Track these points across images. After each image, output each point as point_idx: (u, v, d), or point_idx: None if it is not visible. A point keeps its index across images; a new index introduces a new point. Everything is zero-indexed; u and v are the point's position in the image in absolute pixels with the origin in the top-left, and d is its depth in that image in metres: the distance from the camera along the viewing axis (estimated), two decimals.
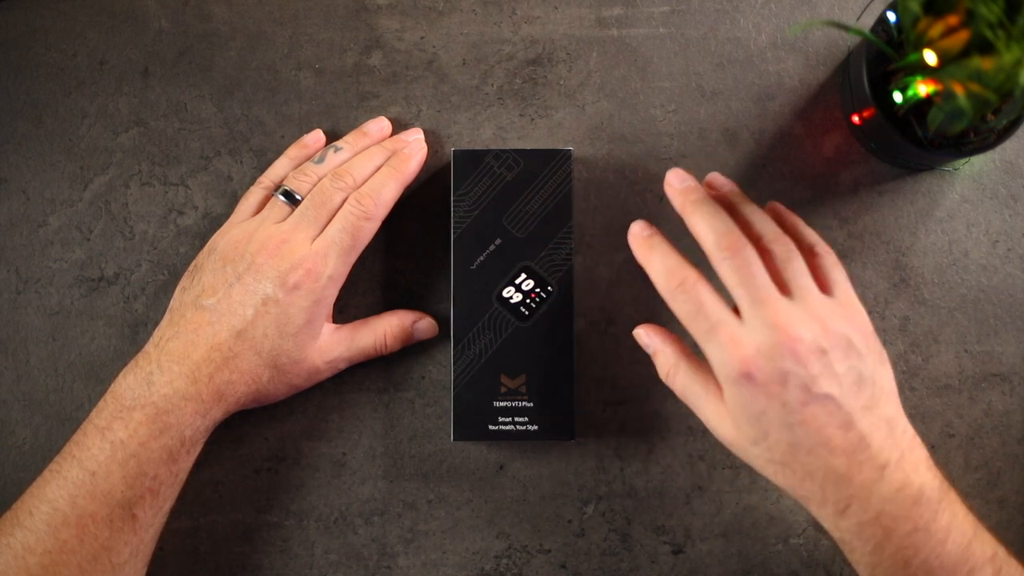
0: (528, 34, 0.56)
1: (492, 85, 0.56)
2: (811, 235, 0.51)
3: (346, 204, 0.52)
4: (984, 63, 0.40)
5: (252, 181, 0.56)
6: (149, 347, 0.50)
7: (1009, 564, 0.45)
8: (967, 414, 0.55)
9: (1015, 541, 0.54)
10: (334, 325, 0.53)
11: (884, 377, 0.47)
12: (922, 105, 0.48)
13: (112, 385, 0.49)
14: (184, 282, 0.52)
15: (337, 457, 0.55)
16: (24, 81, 0.56)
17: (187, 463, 0.50)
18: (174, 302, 0.51)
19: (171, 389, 0.48)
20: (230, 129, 0.56)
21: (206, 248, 0.52)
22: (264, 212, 0.52)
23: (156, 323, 0.55)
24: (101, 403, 0.48)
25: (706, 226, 0.47)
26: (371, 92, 0.56)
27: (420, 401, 0.55)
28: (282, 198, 0.52)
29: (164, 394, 0.48)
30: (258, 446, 0.55)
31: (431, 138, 0.56)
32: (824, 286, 0.49)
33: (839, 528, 0.45)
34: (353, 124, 0.56)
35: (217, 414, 0.50)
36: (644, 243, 0.49)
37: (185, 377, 0.48)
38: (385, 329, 0.54)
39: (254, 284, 0.49)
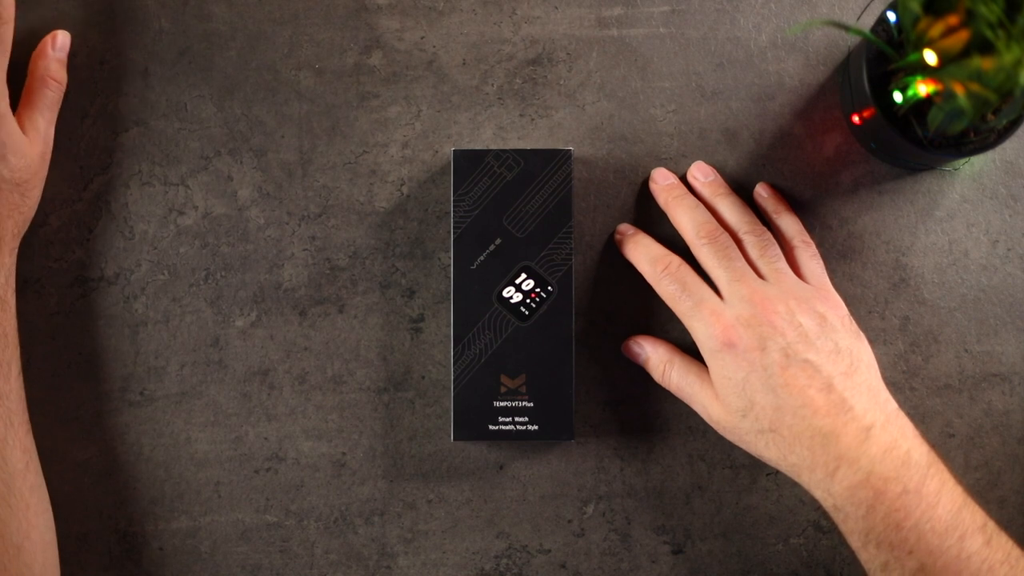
0: (528, 34, 0.56)
1: (492, 85, 0.56)
2: (793, 227, 0.54)
3: None
4: (984, 63, 0.40)
5: (252, 181, 0.56)
6: None
7: (999, 535, 0.45)
8: (967, 414, 0.55)
9: (1015, 541, 0.54)
10: (13, 114, 0.52)
11: (862, 351, 0.50)
12: (922, 105, 0.48)
13: None
14: None
15: (337, 457, 0.55)
16: (24, 81, 0.56)
17: (8, 321, 0.51)
18: None
19: None
20: (230, 129, 0.56)
21: None
22: None
23: (156, 323, 0.55)
24: None
25: (687, 218, 0.52)
26: (371, 92, 0.56)
27: (420, 401, 0.55)
28: None
29: None
30: (258, 446, 0.55)
31: (431, 138, 0.56)
32: (800, 275, 0.52)
33: (832, 494, 0.46)
34: (353, 124, 0.56)
35: (5, 259, 0.51)
36: (630, 240, 0.54)
37: None
38: (45, 75, 0.53)
39: None
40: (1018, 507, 0.55)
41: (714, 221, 0.52)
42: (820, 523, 0.55)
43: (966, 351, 0.55)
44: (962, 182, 0.55)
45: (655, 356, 0.53)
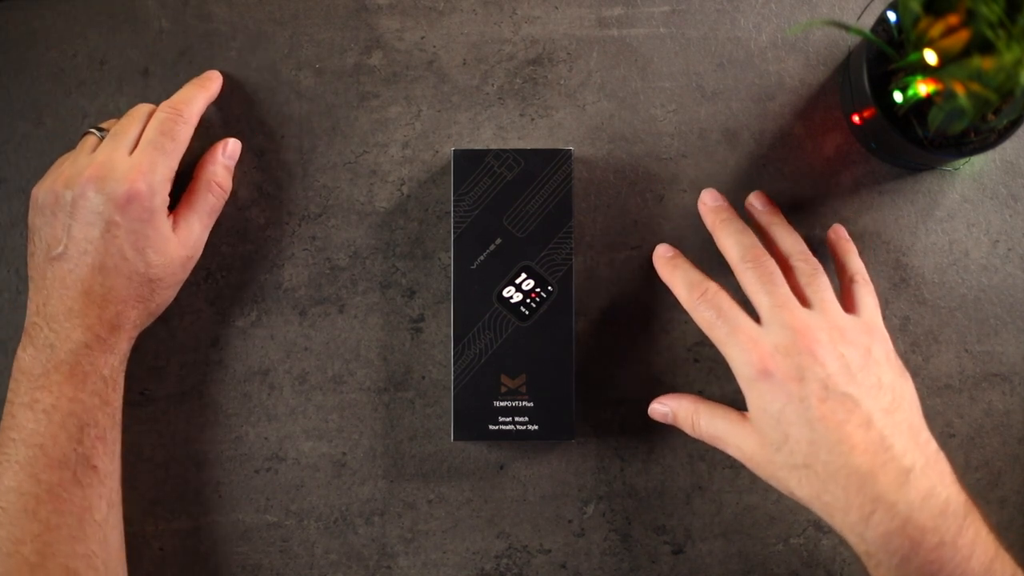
0: (528, 34, 0.56)
1: (492, 85, 0.56)
2: (856, 264, 0.53)
3: (156, 113, 0.52)
4: (984, 63, 0.40)
5: (252, 181, 0.56)
6: (33, 319, 0.49)
7: None
8: (967, 414, 0.55)
9: (1016, 541, 0.54)
10: (171, 214, 0.52)
11: (905, 388, 0.48)
12: (922, 105, 0.48)
13: (15, 366, 0.49)
14: (29, 248, 0.51)
15: (337, 457, 0.55)
16: (24, 81, 0.56)
17: (117, 401, 0.50)
18: (30, 271, 0.50)
19: (72, 344, 0.48)
20: (230, 129, 0.56)
21: (29, 209, 0.51)
22: (73, 152, 0.52)
23: (156, 322, 0.55)
24: (12, 384, 0.48)
25: (732, 241, 0.51)
26: (371, 92, 0.56)
27: (420, 401, 0.55)
28: (94, 131, 0.52)
29: (68, 350, 0.48)
30: (258, 446, 0.55)
31: (431, 138, 0.56)
32: (851, 308, 0.50)
33: (865, 540, 0.44)
34: (353, 124, 0.56)
35: (123, 345, 0.50)
36: (668, 263, 0.53)
37: (78, 328, 0.48)
38: (211, 180, 0.53)
39: (89, 215, 0.48)
40: (1018, 507, 0.55)
41: (760, 245, 0.50)
42: (820, 523, 0.55)
43: (966, 351, 0.55)
44: (962, 182, 0.55)
45: (681, 410, 0.52)
